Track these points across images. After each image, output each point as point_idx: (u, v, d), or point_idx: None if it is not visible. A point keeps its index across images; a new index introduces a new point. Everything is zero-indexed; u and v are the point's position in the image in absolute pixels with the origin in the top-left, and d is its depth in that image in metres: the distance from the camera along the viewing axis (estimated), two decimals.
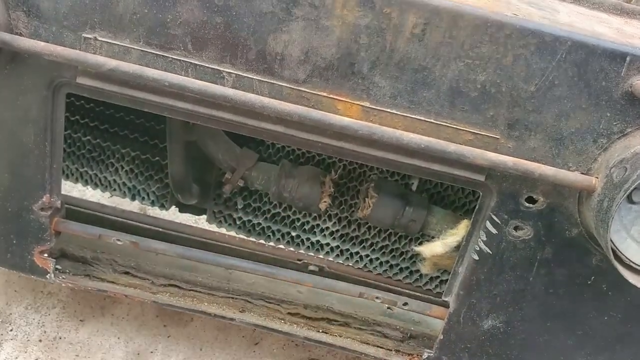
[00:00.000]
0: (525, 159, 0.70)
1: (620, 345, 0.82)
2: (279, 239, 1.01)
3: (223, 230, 1.03)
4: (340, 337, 0.92)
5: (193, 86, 0.69)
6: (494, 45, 0.66)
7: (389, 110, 0.70)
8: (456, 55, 0.67)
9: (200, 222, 1.18)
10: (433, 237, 0.85)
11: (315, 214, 0.97)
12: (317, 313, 0.93)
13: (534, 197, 0.73)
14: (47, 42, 0.70)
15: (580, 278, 0.77)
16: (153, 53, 0.70)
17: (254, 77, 0.70)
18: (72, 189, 1.17)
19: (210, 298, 0.92)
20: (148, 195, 1.03)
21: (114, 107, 0.97)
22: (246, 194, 0.99)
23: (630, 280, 0.68)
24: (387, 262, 0.98)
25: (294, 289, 0.96)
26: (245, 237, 1.02)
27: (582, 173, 0.70)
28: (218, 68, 0.70)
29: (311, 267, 0.98)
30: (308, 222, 0.99)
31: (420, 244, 0.88)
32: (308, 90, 0.70)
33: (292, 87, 0.70)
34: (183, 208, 1.07)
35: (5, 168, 0.83)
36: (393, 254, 0.97)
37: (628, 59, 0.65)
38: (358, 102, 0.70)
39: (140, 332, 1.09)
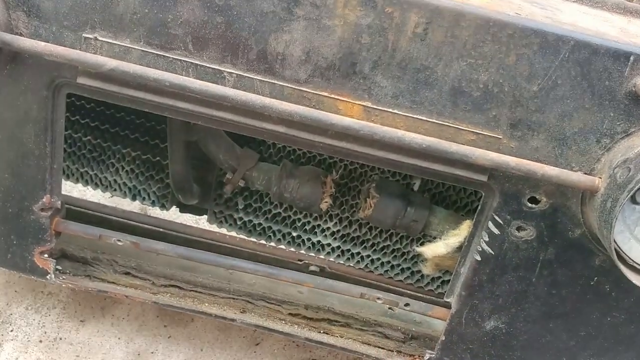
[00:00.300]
0: (528, 159, 0.69)
1: (623, 346, 0.82)
2: (279, 239, 1.01)
3: (224, 231, 1.03)
4: (342, 337, 0.91)
5: (194, 86, 0.69)
6: (496, 44, 0.66)
7: (390, 110, 0.69)
8: (458, 54, 0.66)
9: (201, 222, 1.18)
10: (434, 238, 0.85)
11: (316, 215, 0.97)
12: (318, 314, 0.92)
13: (537, 197, 0.72)
14: (48, 42, 0.69)
15: (583, 279, 0.76)
16: (153, 53, 0.70)
17: (255, 77, 0.69)
18: (72, 189, 1.17)
19: (211, 299, 0.92)
20: (149, 195, 1.02)
21: (114, 107, 0.97)
22: (247, 194, 0.98)
23: (633, 281, 0.67)
24: (389, 262, 0.98)
25: (294, 290, 0.96)
26: (246, 238, 1.01)
27: (585, 173, 0.70)
28: (219, 68, 0.69)
29: (312, 268, 0.98)
30: (309, 223, 0.98)
31: (422, 244, 0.87)
32: (309, 90, 0.70)
33: (294, 87, 0.70)
34: (184, 208, 1.07)
35: (6, 168, 0.82)
36: (394, 254, 0.97)
37: (632, 58, 0.65)
38: (359, 102, 0.70)
39: (141, 333, 1.09)
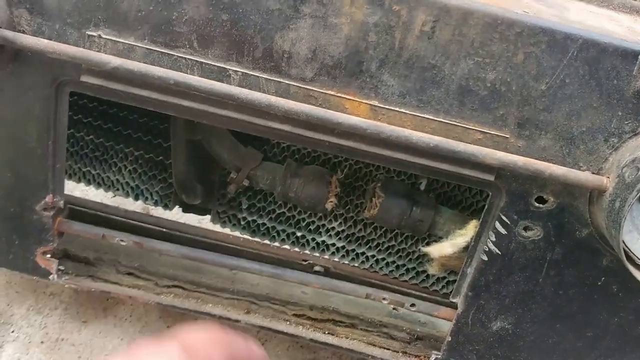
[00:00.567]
0: (536, 159, 0.69)
1: (631, 347, 0.81)
2: (284, 239, 1.00)
3: (227, 231, 1.02)
4: (347, 338, 0.91)
5: (198, 84, 0.68)
6: (504, 43, 0.65)
7: (397, 109, 0.69)
8: (466, 53, 0.66)
9: (204, 222, 1.17)
10: (440, 238, 0.84)
11: (320, 214, 0.96)
12: (322, 314, 0.92)
13: (544, 197, 0.72)
14: (51, 39, 0.69)
15: (590, 279, 0.76)
16: (158, 51, 0.69)
17: (261, 76, 0.69)
18: (75, 189, 1.16)
19: (214, 299, 0.91)
20: (151, 195, 1.02)
21: (117, 106, 0.96)
22: (250, 194, 0.98)
23: (638, 278, 0.67)
24: (394, 262, 0.97)
25: (299, 290, 0.95)
26: (250, 238, 1.01)
27: (593, 173, 0.69)
28: (224, 66, 0.69)
29: (317, 268, 0.97)
30: (313, 223, 0.98)
31: (428, 244, 0.87)
32: (315, 89, 0.69)
33: (300, 85, 0.69)
34: (187, 208, 1.06)
35: (7, 167, 0.82)
36: (399, 254, 0.96)
37: None
38: (366, 101, 0.69)
39: (143, 334, 1.08)
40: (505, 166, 0.69)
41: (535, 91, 0.67)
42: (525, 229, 0.74)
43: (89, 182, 1.04)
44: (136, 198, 1.03)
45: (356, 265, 0.99)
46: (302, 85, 0.69)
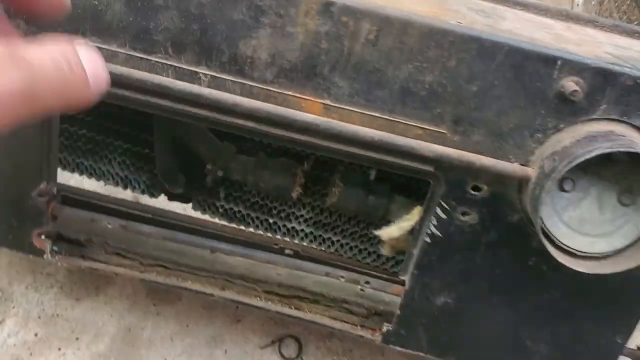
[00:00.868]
0: (470, 152, 0.76)
1: (560, 320, 0.88)
2: (257, 225, 1.07)
3: (207, 217, 1.10)
4: (310, 312, 0.98)
5: (173, 86, 0.75)
6: (439, 50, 0.72)
7: (347, 107, 0.76)
8: (406, 58, 0.73)
9: (189, 209, 1.25)
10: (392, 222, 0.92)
11: (290, 202, 1.04)
12: (289, 291, 0.99)
13: (479, 185, 0.79)
14: None
15: (522, 259, 0.83)
16: (137, 56, 0.76)
17: (227, 78, 0.76)
18: (70, 179, 1.23)
19: (193, 277, 0.98)
20: (139, 184, 1.09)
21: (107, 104, 1.03)
22: (227, 184, 1.05)
23: (559, 260, 0.74)
24: (356, 246, 1.04)
25: (274, 272, 1.02)
26: (228, 224, 1.08)
27: (522, 164, 0.76)
28: (195, 70, 0.76)
29: (287, 251, 1.04)
30: (284, 210, 1.05)
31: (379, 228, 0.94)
32: (275, 90, 0.76)
33: (261, 86, 0.76)
34: (172, 197, 1.14)
35: (8, 159, 0.89)
36: (361, 239, 1.04)
37: (559, 62, 0.71)
38: (320, 100, 0.76)
39: (132, 311, 1.16)
40: (442, 158, 0.76)
41: (467, 92, 0.74)
42: (463, 214, 0.82)
43: (82, 173, 1.11)
44: (125, 187, 1.10)
45: (323, 249, 1.06)
46: (264, 87, 0.76)
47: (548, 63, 0.72)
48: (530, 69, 0.72)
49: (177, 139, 0.97)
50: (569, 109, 0.73)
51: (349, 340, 1.14)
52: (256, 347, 1.15)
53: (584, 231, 0.76)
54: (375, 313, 0.98)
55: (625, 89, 0.71)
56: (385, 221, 0.94)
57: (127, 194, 1.21)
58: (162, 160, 1.00)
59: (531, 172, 0.75)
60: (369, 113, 0.76)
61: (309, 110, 0.76)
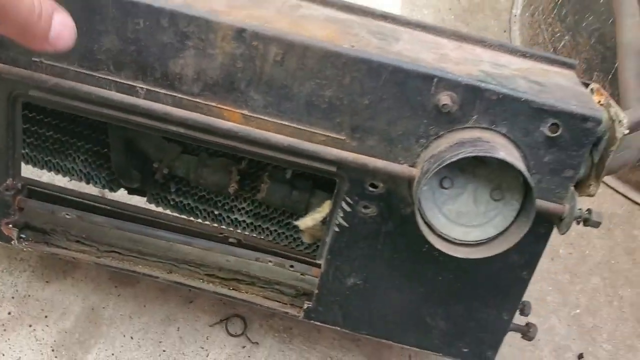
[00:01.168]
0: (365, 155, 0.89)
1: (453, 299, 1.02)
2: (205, 216, 1.21)
3: (161, 209, 1.23)
4: (247, 293, 1.12)
5: (114, 98, 0.89)
6: (335, 69, 0.85)
7: (262, 117, 0.89)
8: (308, 76, 0.86)
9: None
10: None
11: (232, 196, 1.17)
12: (229, 274, 1.13)
13: (375, 183, 0.92)
14: (6, 64, 0.90)
15: (416, 246, 0.96)
16: (84, 73, 0.89)
17: (160, 91, 0.89)
18: (42, 175, 1.36)
19: (143, 262, 1.11)
20: (100, 180, 1.23)
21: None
22: (177, 180, 1.19)
23: (437, 246, 0.87)
24: (291, 235, 1.18)
25: (215, 257, 1.15)
26: (179, 215, 1.22)
27: (409, 165, 0.90)
28: (133, 84, 0.89)
29: (231, 240, 1.18)
30: (227, 203, 1.19)
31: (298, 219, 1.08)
32: (201, 101, 0.90)
33: (189, 98, 0.89)
34: (130, 191, 1.28)
35: None
36: (294, 228, 1.17)
37: (435, 80, 0.84)
38: (239, 111, 0.90)
39: (95, 292, 1.29)
40: (342, 160, 0.89)
41: (361, 105, 0.87)
42: (364, 207, 0.95)
43: (50, 170, 1.25)
44: (88, 183, 1.24)
45: (262, 237, 1.20)
46: (191, 99, 0.90)
47: (426, 80, 0.85)
48: (412, 85, 0.85)
49: (129, 140, 1.10)
50: (446, 119, 0.87)
51: (289, 319, 1.27)
52: (205, 325, 1.29)
53: (460, 222, 0.89)
54: (304, 293, 1.12)
55: (492, 102, 0.85)
56: (308, 213, 1.08)
57: (93, 189, 1.35)
58: (116, 159, 1.13)
59: (415, 172, 0.89)
60: (281, 122, 0.89)
61: (229, 119, 0.90)
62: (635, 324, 1.44)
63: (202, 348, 1.27)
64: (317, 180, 1.10)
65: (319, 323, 1.08)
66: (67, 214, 1.08)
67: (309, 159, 0.91)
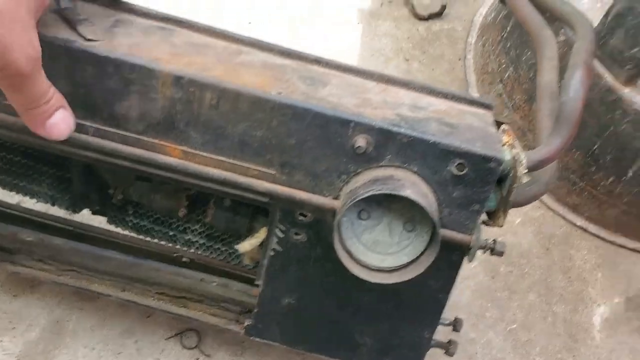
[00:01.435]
0: (294, 188, 0.99)
1: (378, 319, 1.11)
2: (160, 237, 1.30)
3: (120, 230, 1.32)
4: (195, 310, 1.22)
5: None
6: (264, 113, 0.95)
7: (201, 153, 0.98)
8: (241, 119, 0.95)
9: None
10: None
11: (186, 218, 1.27)
12: (179, 292, 1.22)
13: (304, 213, 1.02)
14: None
15: (343, 269, 1.05)
16: None
17: (108, 129, 0.98)
18: (15, 197, 1.45)
19: (99, 280, 1.21)
20: (64, 202, 1.32)
21: None
22: (134, 203, 1.28)
23: (355, 273, 0.97)
24: (239, 256, 1.27)
25: (166, 276, 1.25)
26: (136, 236, 1.31)
27: (334, 198, 1.00)
28: (84, 123, 0.98)
29: (184, 259, 1.28)
30: (181, 225, 1.28)
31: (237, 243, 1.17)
32: (145, 139, 0.98)
33: (135, 136, 0.98)
34: (94, 212, 1.37)
35: None
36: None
37: (352, 124, 0.94)
38: (180, 147, 0.99)
39: (60, 306, 1.38)
40: (272, 193, 0.99)
41: (288, 144, 0.96)
42: (296, 234, 1.04)
43: (18, 192, 1.34)
44: (53, 205, 1.33)
45: (214, 257, 1.29)
46: (136, 136, 0.98)
47: (344, 124, 0.94)
48: (332, 128, 0.95)
49: (87, 166, 1.20)
50: (364, 158, 0.96)
51: None
52: (162, 338, 1.38)
53: (377, 250, 0.99)
54: (248, 310, 1.22)
55: (403, 144, 0.94)
56: (249, 237, 1.17)
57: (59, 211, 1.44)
58: (77, 184, 1.22)
59: (337, 204, 0.98)
60: (218, 158, 0.99)
61: (171, 155, 0.99)
62: (567, 339, 1.53)
63: None
64: (259, 207, 1.20)
65: (258, 339, 1.17)
66: (28, 236, 1.17)
67: (244, 191, 1.00)
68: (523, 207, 1.69)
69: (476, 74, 1.82)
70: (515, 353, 1.49)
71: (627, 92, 1.46)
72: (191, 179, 1.01)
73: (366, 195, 0.91)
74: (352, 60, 1.81)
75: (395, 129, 0.94)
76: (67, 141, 0.99)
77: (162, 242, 1.31)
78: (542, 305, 1.57)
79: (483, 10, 1.98)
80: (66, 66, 0.95)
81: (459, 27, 1.95)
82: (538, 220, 1.69)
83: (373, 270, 0.99)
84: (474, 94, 1.82)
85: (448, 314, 1.17)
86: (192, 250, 1.30)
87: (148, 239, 1.32)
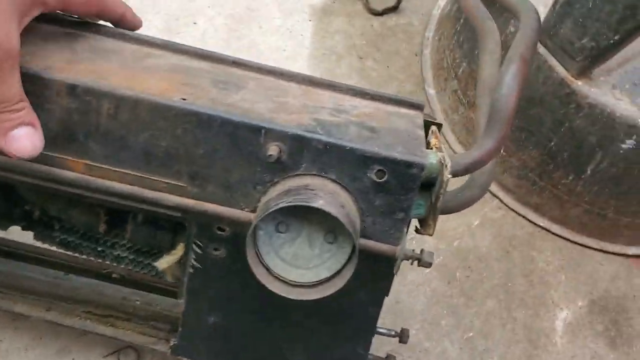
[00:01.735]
0: (207, 201, 0.91)
1: (308, 335, 1.04)
2: (89, 252, 1.23)
3: (47, 246, 1.25)
4: (123, 329, 1.14)
5: None
6: (166, 121, 0.87)
7: (103, 166, 0.91)
8: (142, 128, 0.88)
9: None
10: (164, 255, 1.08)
11: (115, 234, 1.19)
12: (105, 311, 1.15)
13: (222, 227, 0.94)
14: None
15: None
16: None
17: None
18: None
19: (22, 300, 1.14)
20: None
21: None
22: (58, 218, 1.20)
23: (271, 288, 0.89)
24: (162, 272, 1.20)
25: (94, 294, 1.17)
26: (64, 251, 1.23)
27: (251, 211, 0.92)
28: None
29: (114, 275, 1.20)
30: (109, 240, 1.20)
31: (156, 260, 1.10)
32: (46, 153, 0.91)
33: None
34: (23, 228, 1.29)
35: None
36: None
37: (263, 131, 0.86)
38: (81, 160, 0.91)
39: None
40: (183, 207, 0.91)
41: (196, 154, 0.89)
42: (214, 249, 0.97)
43: None
44: None
45: (145, 272, 1.22)
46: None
47: (255, 132, 0.87)
48: (242, 136, 0.87)
49: (3, 182, 1.12)
50: (280, 167, 0.89)
51: None
52: (99, 356, 1.31)
53: (297, 265, 0.91)
54: (177, 329, 1.14)
55: (319, 151, 0.87)
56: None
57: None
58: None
59: (253, 217, 0.91)
60: (121, 170, 0.91)
61: (74, 169, 0.91)
62: (527, 345, 1.46)
63: None
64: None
65: (185, 359, 1.09)
66: None
67: (153, 206, 0.93)
68: (482, 208, 1.62)
69: (433, 69, 1.74)
70: None
71: (580, 85, 1.38)
72: (95, 193, 0.93)
73: (276, 208, 0.83)
74: (301, 60, 1.73)
75: (309, 135, 0.87)
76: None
77: (92, 258, 1.24)
78: (502, 311, 1.49)
79: (442, 3, 1.89)
80: None
81: (416, 22, 1.86)
82: (498, 222, 1.61)
83: (292, 285, 0.91)
84: (430, 90, 1.74)
85: (400, 323, 1.10)
86: (123, 266, 1.23)
87: (76, 254, 1.24)
